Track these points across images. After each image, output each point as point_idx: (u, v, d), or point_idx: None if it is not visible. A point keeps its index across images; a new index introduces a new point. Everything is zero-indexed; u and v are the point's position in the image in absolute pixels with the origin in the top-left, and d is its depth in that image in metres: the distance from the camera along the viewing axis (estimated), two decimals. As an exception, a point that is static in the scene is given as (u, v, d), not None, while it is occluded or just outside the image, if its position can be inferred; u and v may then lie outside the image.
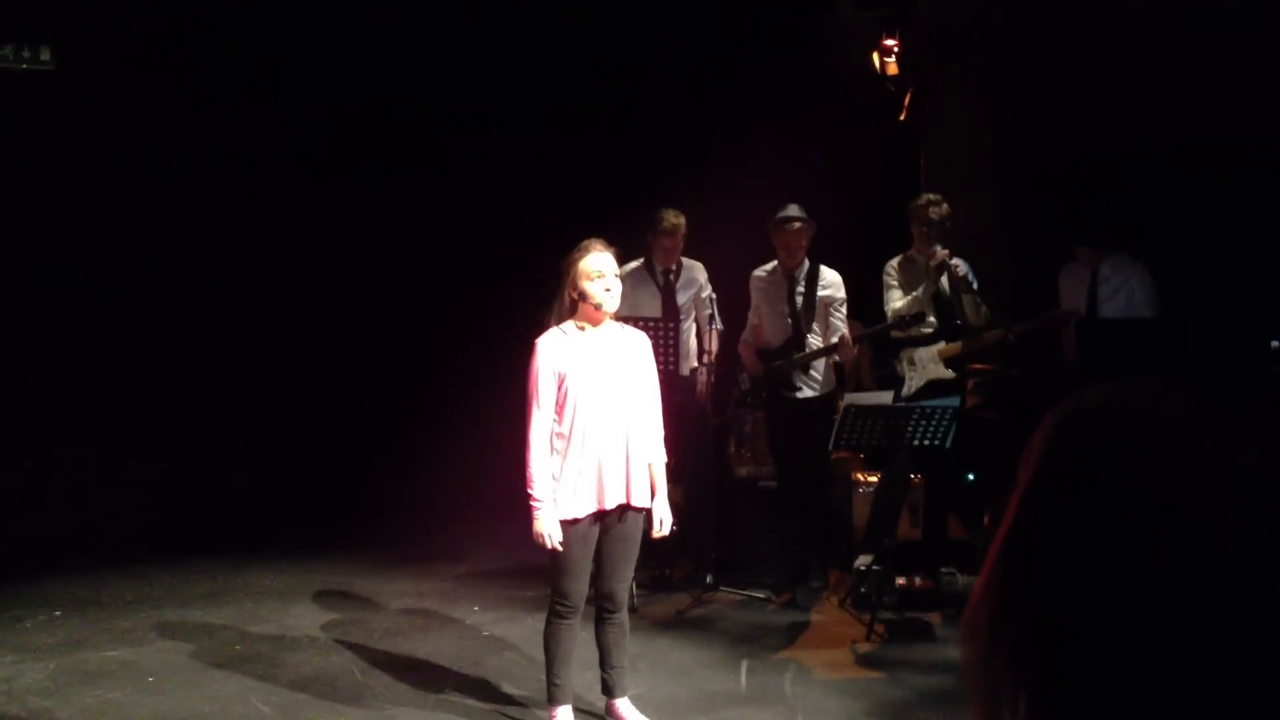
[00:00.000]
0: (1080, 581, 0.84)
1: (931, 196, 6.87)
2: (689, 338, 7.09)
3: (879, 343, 7.17)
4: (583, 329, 4.74)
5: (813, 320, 6.90)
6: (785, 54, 9.06)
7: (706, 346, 6.82)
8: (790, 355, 6.88)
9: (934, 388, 6.71)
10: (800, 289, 6.91)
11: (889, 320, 6.89)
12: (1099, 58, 7.85)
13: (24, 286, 8.38)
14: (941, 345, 6.80)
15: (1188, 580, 0.80)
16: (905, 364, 6.89)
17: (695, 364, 6.99)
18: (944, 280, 6.78)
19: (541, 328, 4.76)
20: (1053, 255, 7.11)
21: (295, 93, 9.18)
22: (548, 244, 5.08)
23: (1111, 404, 0.89)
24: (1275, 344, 6.51)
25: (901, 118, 8.77)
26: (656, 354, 5.18)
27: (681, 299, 7.10)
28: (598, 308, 4.67)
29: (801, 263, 6.90)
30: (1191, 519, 0.81)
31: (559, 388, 4.67)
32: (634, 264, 6.93)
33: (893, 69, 8.48)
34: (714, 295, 6.83)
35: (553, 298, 4.78)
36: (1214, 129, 7.22)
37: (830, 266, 6.97)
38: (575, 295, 4.70)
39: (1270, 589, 0.79)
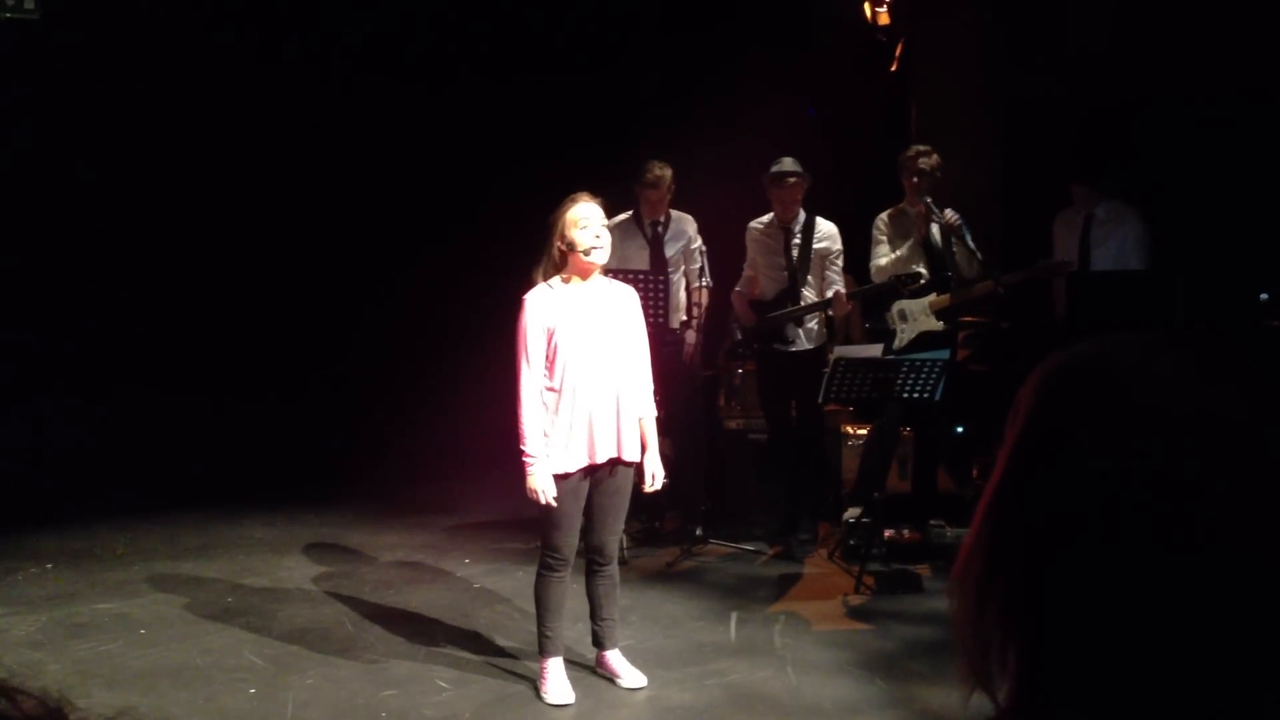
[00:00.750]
0: (1067, 538, 0.84)
1: (920, 147, 6.84)
2: (678, 291, 7.06)
3: (870, 296, 7.16)
4: (570, 283, 4.72)
5: (808, 273, 6.89)
6: (775, 2, 8.98)
7: (696, 300, 6.80)
8: (785, 308, 6.88)
9: (925, 340, 6.71)
10: (796, 241, 6.89)
11: (872, 274, 6.89)
12: (1093, 7, 7.80)
13: (13, 235, 8.32)
14: (933, 297, 6.79)
15: (1174, 536, 0.80)
16: (895, 317, 6.88)
17: (685, 317, 6.97)
18: (935, 230, 6.77)
19: (530, 283, 4.74)
20: (1045, 206, 7.10)
21: (281, 43, 9.08)
22: (536, 196, 5.05)
23: (1097, 360, 0.88)
24: (1264, 297, 6.51)
25: (893, 68, 8.71)
26: (645, 308, 5.16)
27: (670, 251, 7.06)
28: (586, 254, 4.64)
29: (797, 215, 6.88)
30: (1178, 475, 0.81)
31: (548, 343, 4.66)
32: (622, 216, 6.88)
33: (884, 19, 8.40)
34: (704, 248, 6.80)
35: (540, 253, 4.75)
36: (1209, 81, 7.19)
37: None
38: (564, 247, 4.67)
39: (1254, 542, 0.79)
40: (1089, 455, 0.84)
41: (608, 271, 4.91)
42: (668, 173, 6.94)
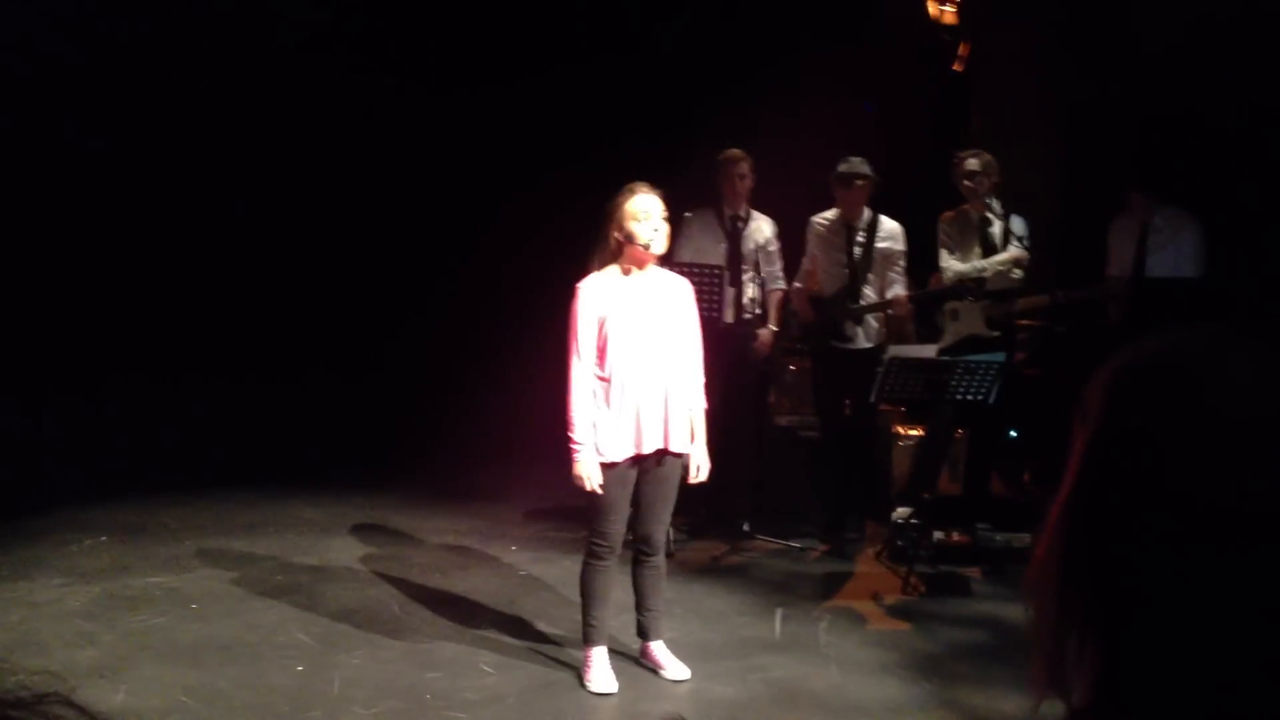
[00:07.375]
0: (1144, 541, 0.82)
1: (967, 151, 6.79)
2: (749, 287, 7.03)
3: (932, 300, 7.09)
4: (625, 273, 4.72)
5: (869, 271, 6.85)
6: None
7: (775, 302, 6.91)
8: (845, 305, 6.84)
9: (971, 344, 6.61)
10: (860, 239, 6.85)
11: (943, 278, 6.82)
12: (1162, 15, 7.68)
13: (60, 213, 8.39)
14: (987, 303, 6.70)
15: (1260, 541, 0.78)
16: (948, 315, 6.81)
17: (758, 312, 6.98)
18: (995, 234, 6.71)
19: (585, 272, 4.74)
20: (1104, 211, 7.01)
21: (325, 17, 9.07)
22: (593, 186, 5.04)
23: (1171, 357, 0.86)
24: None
25: (955, 68, 8.63)
26: (699, 301, 5.15)
27: (747, 246, 7.03)
28: (645, 248, 4.64)
29: (861, 213, 6.85)
30: (1258, 477, 0.79)
31: (599, 332, 4.67)
32: (701, 208, 6.95)
33: (950, 18, 8.33)
34: (775, 250, 6.91)
35: (596, 242, 4.76)
36: (1274, 90, 7.06)
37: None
38: (621, 238, 4.67)
39: None
40: (1166, 456, 0.82)
41: (665, 262, 4.91)
42: (744, 155, 6.96)
